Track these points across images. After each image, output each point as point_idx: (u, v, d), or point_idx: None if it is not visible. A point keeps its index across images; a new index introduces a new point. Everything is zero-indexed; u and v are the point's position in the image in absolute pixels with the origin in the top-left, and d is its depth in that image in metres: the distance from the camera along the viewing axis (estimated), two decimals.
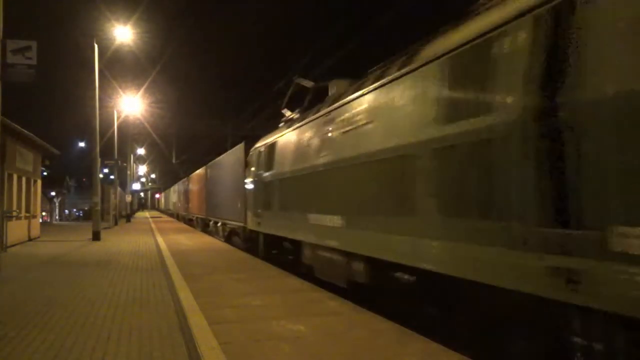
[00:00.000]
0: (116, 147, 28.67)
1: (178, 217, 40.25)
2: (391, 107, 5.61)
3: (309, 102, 10.20)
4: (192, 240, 17.18)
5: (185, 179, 34.88)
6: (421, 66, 5.04)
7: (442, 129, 4.54)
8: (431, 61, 4.86)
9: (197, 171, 27.35)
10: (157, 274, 9.02)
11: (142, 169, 68.45)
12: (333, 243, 7.12)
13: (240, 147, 14.29)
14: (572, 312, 3.32)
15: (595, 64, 3.08)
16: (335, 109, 7.33)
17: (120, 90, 27.63)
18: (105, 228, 22.99)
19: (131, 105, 30.14)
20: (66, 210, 65.85)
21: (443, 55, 4.65)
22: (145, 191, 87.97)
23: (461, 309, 4.62)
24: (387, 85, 5.76)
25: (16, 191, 15.98)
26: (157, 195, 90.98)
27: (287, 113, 11.36)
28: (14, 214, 15.23)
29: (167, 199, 59.80)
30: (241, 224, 13.79)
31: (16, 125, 14.27)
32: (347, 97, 6.94)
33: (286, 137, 9.97)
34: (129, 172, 37.63)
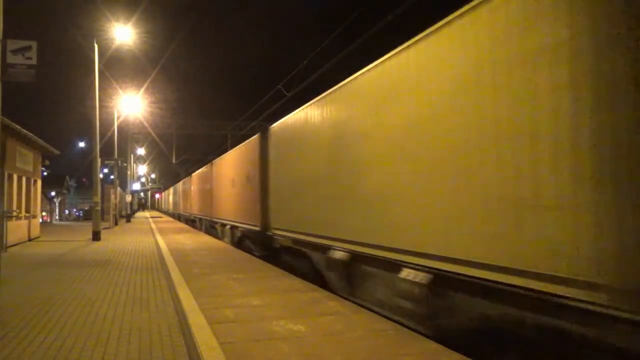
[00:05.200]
0: (116, 147, 28.66)
1: (177, 217, 40.29)
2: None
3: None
4: (192, 240, 17.19)
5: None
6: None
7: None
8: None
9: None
10: (157, 273, 9.03)
11: (142, 169, 68.49)
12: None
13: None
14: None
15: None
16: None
17: (120, 90, 27.65)
18: (105, 228, 22.99)
19: (131, 105, 30.16)
20: (66, 210, 65.79)
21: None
22: (145, 191, 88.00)
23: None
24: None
25: (16, 191, 15.97)
26: (157, 195, 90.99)
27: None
28: (14, 214, 15.23)
29: (166, 199, 59.86)
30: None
31: (16, 125, 14.27)
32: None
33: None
34: (129, 172, 37.60)
